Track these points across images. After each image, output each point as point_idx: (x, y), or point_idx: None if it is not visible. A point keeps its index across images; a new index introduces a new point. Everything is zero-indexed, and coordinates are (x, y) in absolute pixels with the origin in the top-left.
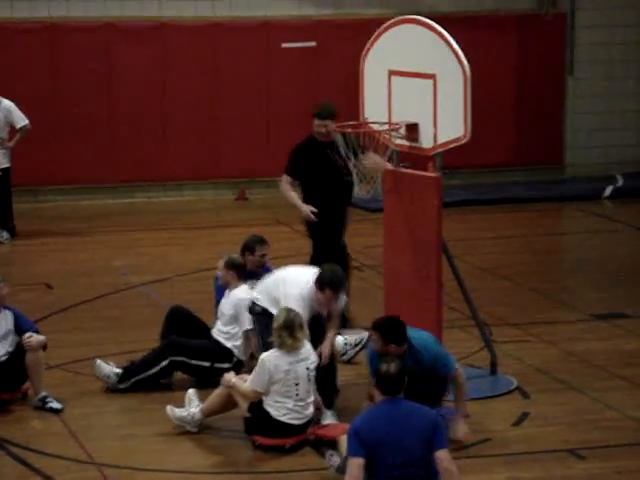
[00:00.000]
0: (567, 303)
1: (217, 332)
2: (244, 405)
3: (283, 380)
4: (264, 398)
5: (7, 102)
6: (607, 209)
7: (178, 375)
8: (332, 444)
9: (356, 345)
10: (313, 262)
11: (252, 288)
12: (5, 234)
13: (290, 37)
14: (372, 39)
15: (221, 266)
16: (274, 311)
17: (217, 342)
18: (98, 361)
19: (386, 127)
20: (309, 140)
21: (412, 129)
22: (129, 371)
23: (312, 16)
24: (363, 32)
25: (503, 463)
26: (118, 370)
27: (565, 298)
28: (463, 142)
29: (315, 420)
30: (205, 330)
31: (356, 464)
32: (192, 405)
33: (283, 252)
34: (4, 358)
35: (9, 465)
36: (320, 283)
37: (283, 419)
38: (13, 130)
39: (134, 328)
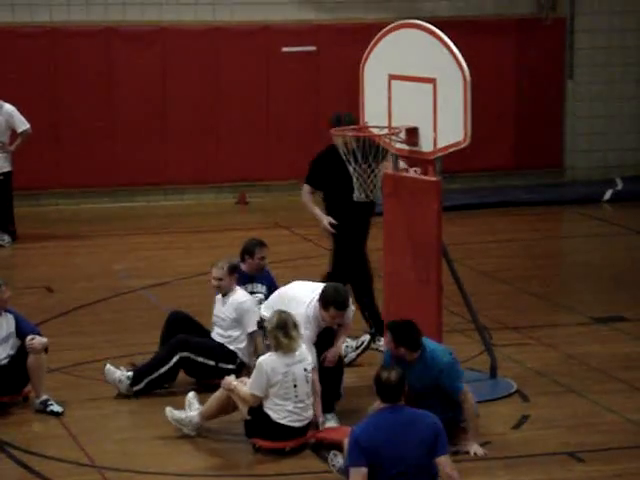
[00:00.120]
0: (567, 306)
1: (218, 337)
2: (244, 409)
3: (281, 382)
4: (264, 401)
5: (8, 106)
6: (607, 213)
7: (179, 379)
8: (333, 446)
9: (357, 348)
10: (334, 272)
11: (250, 292)
12: (6, 237)
13: (290, 42)
14: (372, 43)
15: (223, 273)
16: None
17: (221, 344)
18: (108, 366)
19: (386, 131)
20: (329, 149)
21: (412, 133)
22: (140, 372)
23: (312, 21)
24: (363, 37)
25: (503, 466)
26: (129, 373)
27: (565, 301)
28: (463, 146)
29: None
30: (205, 335)
31: (359, 474)
32: (192, 408)
33: (283, 256)
34: (5, 361)
35: (10, 468)
36: (324, 302)
37: (283, 422)
38: (14, 134)
39: (134, 332)
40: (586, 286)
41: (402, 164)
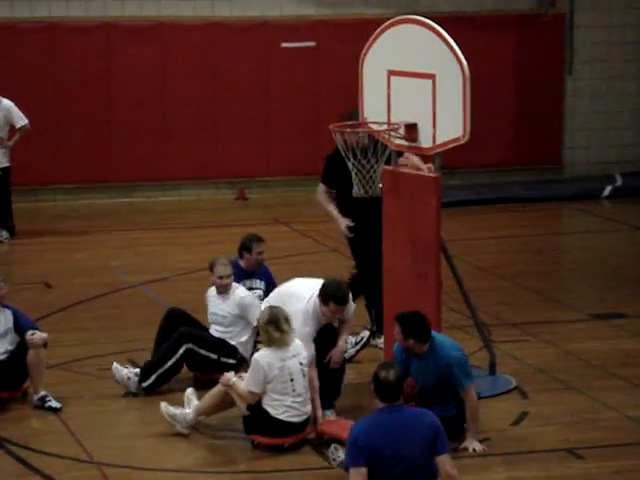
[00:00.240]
0: (566, 303)
1: (216, 334)
2: (242, 405)
3: (278, 377)
4: (262, 398)
5: (7, 102)
6: (606, 209)
7: (177, 377)
8: (333, 441)
9: (357, 344)
10: (359, 273)
11: (249, 288)
12: (4, 233)
13: (289, 37)
14: (371, 39)
15: (230, 270)
16: None
17: (223, 339)
18: (115, 364)
19: (385, 127)
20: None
21: (411, 129)
22: (148, 368)
23: (311, 16)
24: (362, 32)
25: (502, 463)
26: (136, 370)
27: (564, 298)
28: (462, 142)
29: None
30: (204, 331)
31: (359, 474)
32: (191, 405)
33: (282, 252)
34: (4, 357)
35: (8, 464)
36: (324, 297)
37: (282, 417)
38: (12, 129)
39: (133, 327)
40: (585, 282)
41: (416, 160)
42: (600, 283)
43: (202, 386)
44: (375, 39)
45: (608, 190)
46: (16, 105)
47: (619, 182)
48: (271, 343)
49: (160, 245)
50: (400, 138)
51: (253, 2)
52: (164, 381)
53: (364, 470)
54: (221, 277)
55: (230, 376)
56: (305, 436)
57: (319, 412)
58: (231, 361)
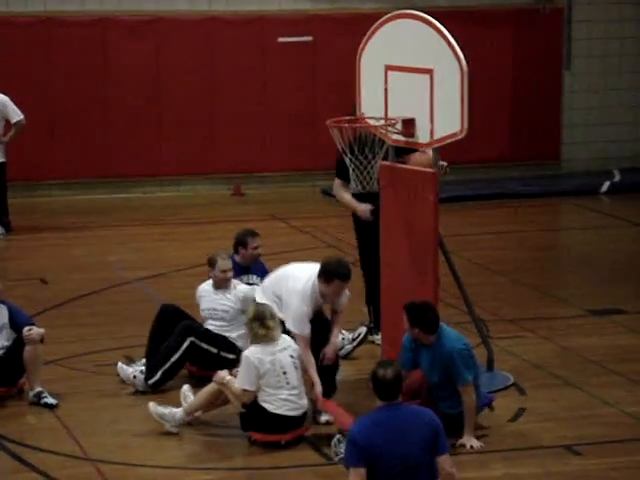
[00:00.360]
0: (563, 299)
1: (214, 328)
2: (237, 403)
3: (270, 371)
4: (258, 395)
5: (2, 96)
6: (604, 204)
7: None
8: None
9: (354, 340)
10: (363, 265)
11: (246, 284)
12: (0, 229)
13: (286, 31)
14: (369, 34)
15: (225, 266)
16: (277, 311)
17: (223, 335)
18: (119, 364)
19: (382, 122)
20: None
21: (409, 124)
22: (153, 364)
23: (308, 10)
24: (360, 27)
25: (500, 459)
26: (142, 367)
27: (561, 294)
28: (460, 137)
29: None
30: None
31: (358, 474)
32: (187, 401)
33: (279, 248)
34: (0, 352)
35: (4, 460)
36: (327, 275)
37: (279, 412)
38: (8, 125)
39: (129, 323)
40: (583, 278)
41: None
42: (598, 279)
43: (198, 383)
44: (372, 34)
45: (606, 186)
46: (12, 100)
47: (617, 178)
48: (256, 340)
49: (156, 241)
50: (397, 133)
51: None
52: (170, 376)
53: (363, 471)
54: (224, 271)
55: (224, 374)
56: (303, 432)
57: (318, 388)
58: (230, 356)
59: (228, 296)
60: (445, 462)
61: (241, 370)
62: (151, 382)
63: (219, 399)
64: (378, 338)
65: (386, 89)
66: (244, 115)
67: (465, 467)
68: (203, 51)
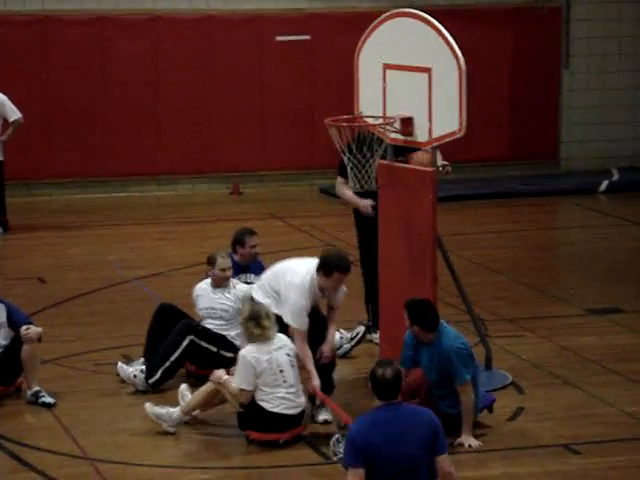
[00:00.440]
0: (562, 298)
1: (213, 327)
2: (234, 403)
3: (267, 370)
4: (255, 394)
5: (0, 95)
6: (603, 203)
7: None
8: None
9: (352, 339)
10: (366, 265)
11: (244, 282)
12: None
13: (284, 30)
14: (367, 32)
15: (225, 264)
16: (274, 308)
17: (222, 334)
18: (120, 364)
19: (381, 121)
20: (356, 139)
21: (407, 123)
22: (153, 363)
23: (306, 9)
24: (358, 25)
25: (498, 458)
26: (142, 367)
27: (560, 293)
28: (458, 136)
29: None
30: None
31: (356, 475)
32: (185, 400)
33: (277, 247)
34: None
35: (2, 459)
36: (327, 268)
37: (277, 410)
38: (6, 123)
39: (127, 322)
40: (582, 277)
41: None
42: (597, 278)
43: (196, 382)
44: (370, 32)
45: (605, 185)
46: (9, 99)
47: (616, 177)
48: (252, 339)
49: (155, 240)
50: (396, 132)
51: None
52: (170, 375)
53: (361, 471)
54: (224, 269)
55: (220, 374)
56: (301, 432)
57: (316, 381)
58: (229, 354)
59: (227, 295)
60: (444, 462)
61: (238, 369)
62: (151, 381)
63: (216, 398)
64: (376, 337)
65: (384, 88)
66: (242, 114)
67: (464, 466)
68: (201, 50)
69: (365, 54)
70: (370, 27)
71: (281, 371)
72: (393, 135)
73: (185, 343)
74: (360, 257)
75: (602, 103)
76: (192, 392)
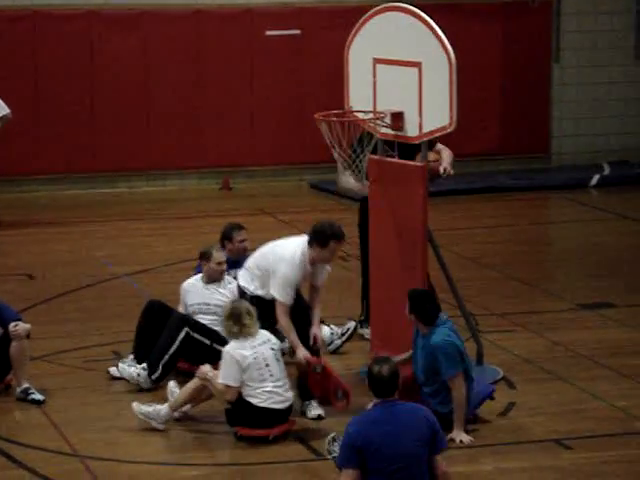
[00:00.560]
0: (553, 293)
1: (207, 324)
2: (221, 399)
3: (252, 365)
4: (242, 390)
5: None
6: (593, 198)
7: None
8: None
9: (343, 335)
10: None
11: (235, 278)
12: None
13: (274, 25)
14: (357, 27)
15: (221, 258)
16: (260, 290)
17: (215, 330)
18: (120, 365)
19: (371, 116)
20: (359, 138)
21: (397, 118)
22: (152, 360)
23: (295, 3)
24: (348, 20)
25: (490, 453)
26: (143, 364)
27: (551, 288)
28: (449, 131)
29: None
30: None
31: (348, 476)
32: (174, 396)
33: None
34: None
35: None
36: (322, 239)
37: (265, 405)
38: None
39: (117, 319)
40: (573, 272)
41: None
42: (588, 273)
43: (185, 380)
44: (361, 27)
45: (596, 179)
46: None
47: (607, 171)
48: (231, 336)
49: (144, 236)
50: (386, 127)
51: None
52: (171, 368)
53: (352, 472)
54: (220, 263)
55: (206, 369)
56: (290, 427)
57: (302, 351)
58: (222, 349)
59: (222, 290)
60: (442, 461)
61: (222, 366)
62: (154, 377)
63: (203, 394)
64: (367, 331)
65: (374, 82)
66: (232, 109)
67: (455, 461)
68: (190, 45)
69: (355, 48)
70: (360, 21)
71: (267, 365)
72: (383, 130)
73: (182, 335)
74: (361, 252)
75: (593, 97)
76: (180, 389)
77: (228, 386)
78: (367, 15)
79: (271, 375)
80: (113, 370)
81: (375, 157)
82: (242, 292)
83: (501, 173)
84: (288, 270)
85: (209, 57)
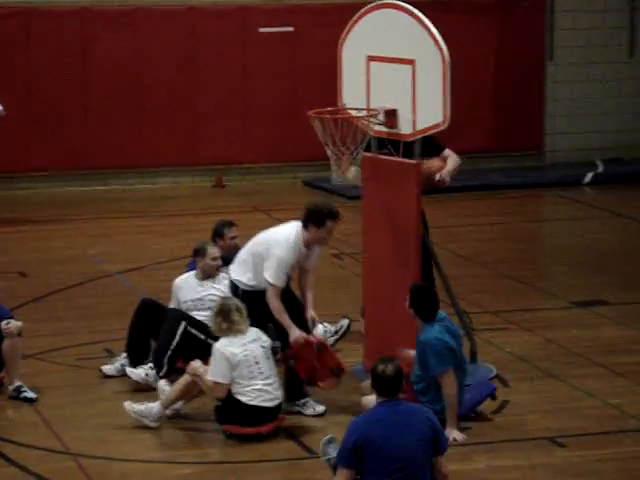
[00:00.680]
0: (547, 291)
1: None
2: (211, 395)
3: (243, 362)
4: (232, 388)
5: None
6: (587, 195)
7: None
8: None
9: (336, 332)
10: None
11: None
12: None
13: (267, 22)
14: (350, 24)
15: (216, 253)
16: (252, 280)
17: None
18: (128, 369)
19: (364, 113)
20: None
21: (391, 115)
22: (157, 357)
23: (289, 0)
24: (341, 17)
25: (483, 451)
26: (150, 364)
27: (545, 285)
28: (442, 128)
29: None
30: None
31: (343, 476)
32: (164, 394)
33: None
34: None
35: None
36: (318, 219)
37: (254, 403)
38: None
39: (109, 317)
40: (566, 270)
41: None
42: (581, 270)
43: (176, 379)
44: (354, 24)
45: (589, 177)
46: None
47: (600, 168)
48: (220, 333)
49: (137, 233)
50: (379, 124)
51: None
52: (175, 362)
53: (350, 473)
54: (215, 258)
55: (197, 365)
56: (279, 424)
57: (295, 332)
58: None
59: (217, 286)
60: (443, 462)
61: (212, 363)
62: (162, 374)
63: (194, 390)
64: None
65: (368, 80)
66: (225, 106)
67: (448, 460)
68: (183, 42)
69: (349, 46)
70: (354, 18)
71: (257, 363)
72: (377, 127)
73: (181, 329)
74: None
75: (586, 95)
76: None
77: (217, 383)
78: (361, 12)
79: (261, 373)
80: (105, 368)
81: (369, 155)
82: (235, 288)
83: (494, 171)
84: (283, 252)
85: (202, 54)
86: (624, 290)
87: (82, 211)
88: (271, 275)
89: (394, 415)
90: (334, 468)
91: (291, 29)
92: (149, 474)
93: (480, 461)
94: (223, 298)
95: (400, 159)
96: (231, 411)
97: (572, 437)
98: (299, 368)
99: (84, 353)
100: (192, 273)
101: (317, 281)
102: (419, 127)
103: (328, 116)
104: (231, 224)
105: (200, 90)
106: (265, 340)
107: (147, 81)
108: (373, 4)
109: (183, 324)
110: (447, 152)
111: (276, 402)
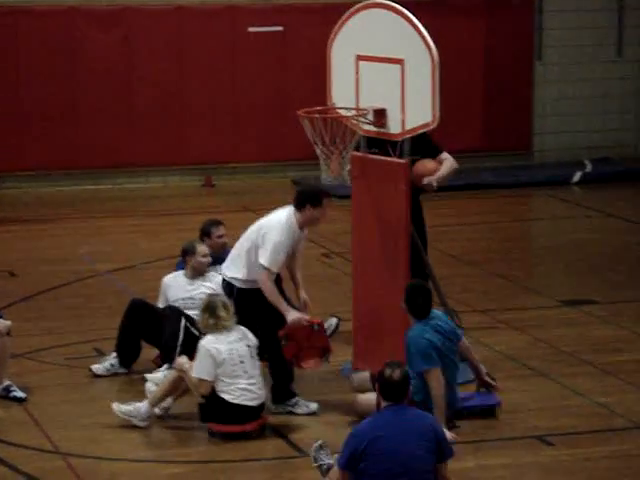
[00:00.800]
0: (536, 290)
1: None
2: (196, 392)
3: (227, 360)
4: (215, 386)
5: None
6: (576, 195)
7: (137, 368)
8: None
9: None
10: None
11: (220, 273)
12: None
13: (256, 21)
14: (339, 23)
15: (205, 250)
16: (247, 274)
17: None
18: (145, 375)
19: (354, 112)
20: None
21: (380, 114)
22: (166, 358)
23: (278, 0)
24: (331, 16)
25: (471, 450)
26: (165, 364)
27: (534, 284)
28: (431, 127)
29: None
30: None
31: (342, 476)
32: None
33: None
34: None
35: None
36: (313, 200)
37: (237, 401)
38: None
39: (99, 316)
40: (555, 269)
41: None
42: (570, 269)
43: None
44: (343, 24)
45: (578, 176)
46: None
47: (589, 168)
48: (207, 329)
49: (126, 233)
50: (368, 124)
51: None
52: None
53: (351, 476)
54: (204, 255)
55: (183, 361)
56: (263, 422)
57: (293, 314)
58: None
59: (207, 284)
60: (445, 469)
61: (197, 359)
62: None
63: (182, 386)
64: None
65: (357, 79)
66: (215, 106)
67: None
68: (173, 41)
69: (338, 45)
70: (343, 18)
71: (242, 362)
72: (366, 127)
73: (182, 324)
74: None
75: (575, 94)
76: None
77: (201, 380)
78: (350, 12)
79: (245, 372)
80: (95, 367)
81: (358, 153)
82: (230, 288)
83: (484, 170)
84: (278, 236)
85: (191, 53)
86: (613, 289)
87: (72, 210)
88: (266, 259)
89: (400, 421)
90: (325, 474)
91: (280, 29)
92: (139, 473)
93: (468, 460)
94: (210, 295)
95: (389, 158)
96: (215, 409)
97: (561, 436)
98: (288, 350)
99: (74, 352)
100: (181, 272)
101: (306, 280)
102: (408, 127)
103: (317, 115)
104: (218, 223)
105: (189, 90)
106: (251, 339)
107: (136, 81)
108: (362, 4)
109: (183, 320)
110: (444, 155)
111: (259, 401)
